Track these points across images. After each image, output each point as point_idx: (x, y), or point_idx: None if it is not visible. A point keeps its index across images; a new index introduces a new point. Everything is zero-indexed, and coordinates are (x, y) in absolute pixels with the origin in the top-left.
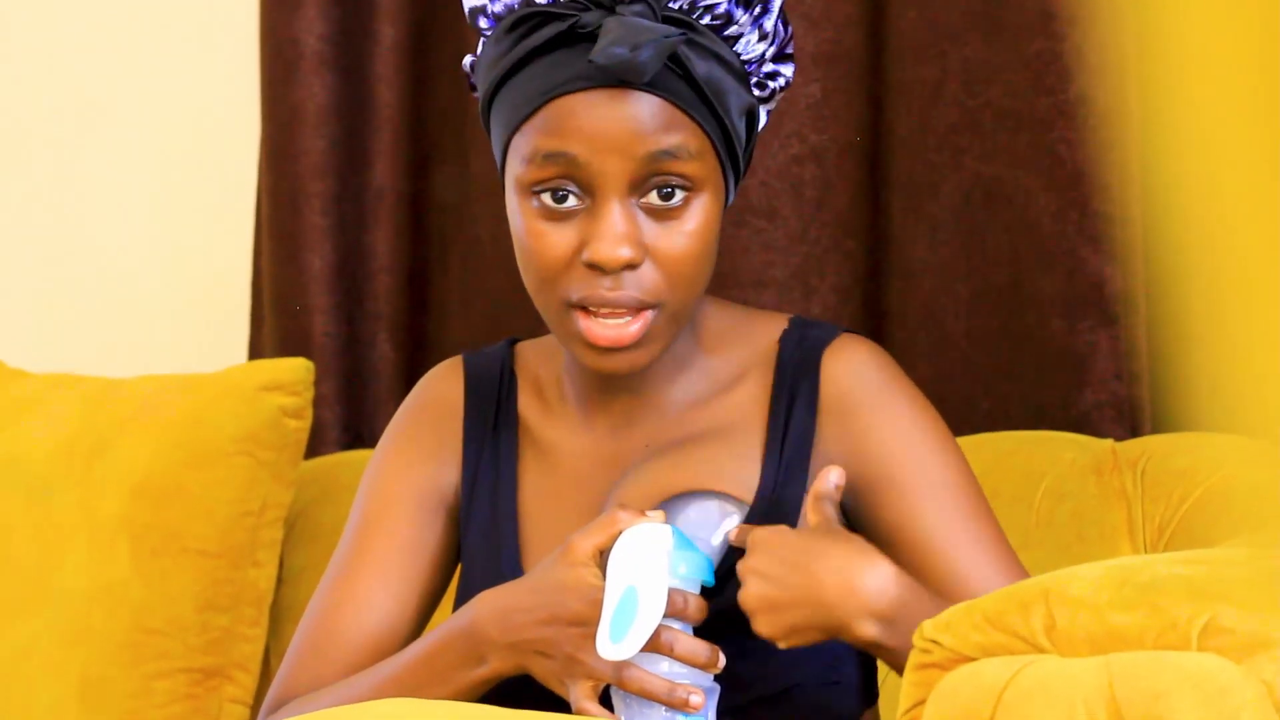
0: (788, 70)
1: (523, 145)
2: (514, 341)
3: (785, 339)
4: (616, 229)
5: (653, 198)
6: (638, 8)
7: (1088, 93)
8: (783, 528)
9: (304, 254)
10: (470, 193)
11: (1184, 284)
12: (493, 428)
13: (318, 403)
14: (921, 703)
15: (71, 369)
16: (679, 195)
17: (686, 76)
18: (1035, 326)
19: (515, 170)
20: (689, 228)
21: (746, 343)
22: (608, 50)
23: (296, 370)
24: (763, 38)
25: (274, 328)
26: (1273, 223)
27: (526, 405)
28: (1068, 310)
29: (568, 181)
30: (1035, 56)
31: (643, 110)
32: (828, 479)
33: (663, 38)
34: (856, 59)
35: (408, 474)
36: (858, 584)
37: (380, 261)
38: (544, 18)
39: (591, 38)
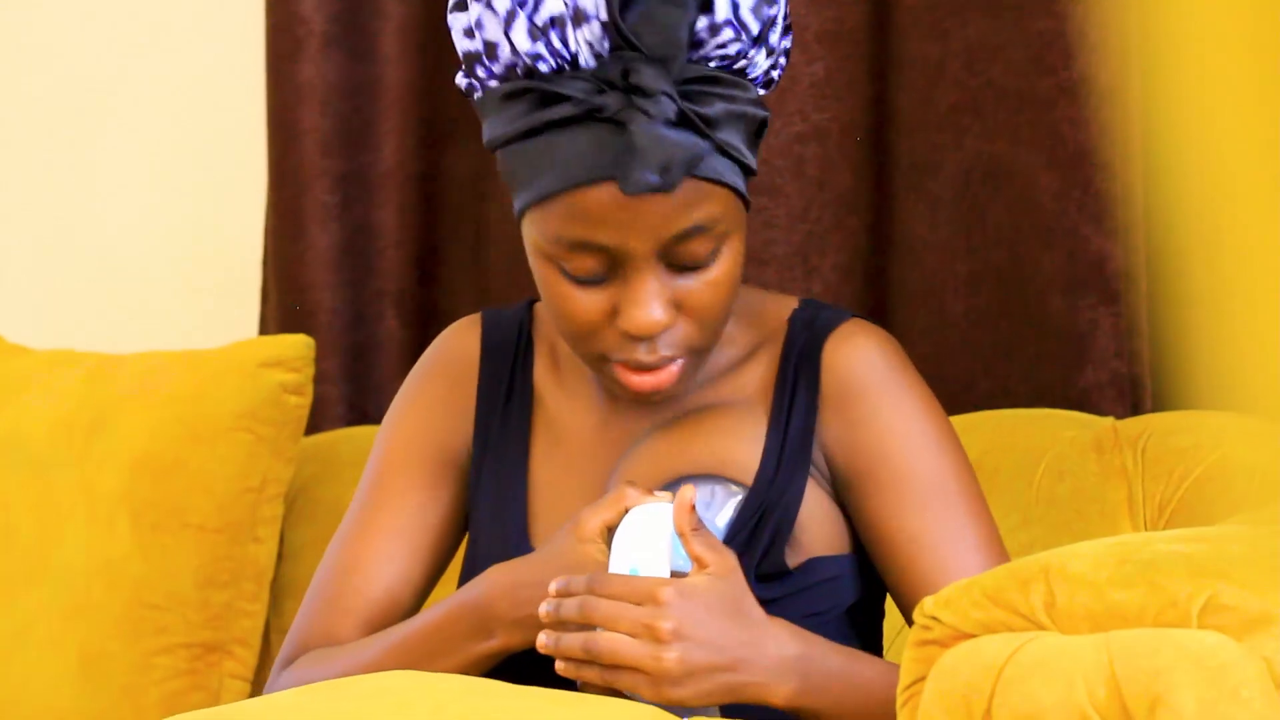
0: (785, 56)
1: (545, 222)
2: (533, 302)
3: (794, 321)
4: (650, 297)
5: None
6: (652, 72)
7: (1090, 72)
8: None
9: (311, 231)
10: (479, 170)
11: (1185, 262)
12: (505, 395)
13: (323, 379)
14: (922, 679)
15: (76, 346)
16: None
17: (705, 134)
18: (1036, 305)
19: (535, 236)
20: (718, 276)
21: (756, 324)
22: (638, 180)
23: (297, 346)
24: (770, 54)
25: (281, 305)
26: (1274, 202)
27: (541, 375)
28: (1068, 288)
29: (594, 261)
30: (1038, 35)
31: (670, 196)
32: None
33: (691, 155)
34: (859, 37)
35: (423, 432)
36: (768, 647)
37: (388, 239)
38: (555, 96)
39: (609, 119)
